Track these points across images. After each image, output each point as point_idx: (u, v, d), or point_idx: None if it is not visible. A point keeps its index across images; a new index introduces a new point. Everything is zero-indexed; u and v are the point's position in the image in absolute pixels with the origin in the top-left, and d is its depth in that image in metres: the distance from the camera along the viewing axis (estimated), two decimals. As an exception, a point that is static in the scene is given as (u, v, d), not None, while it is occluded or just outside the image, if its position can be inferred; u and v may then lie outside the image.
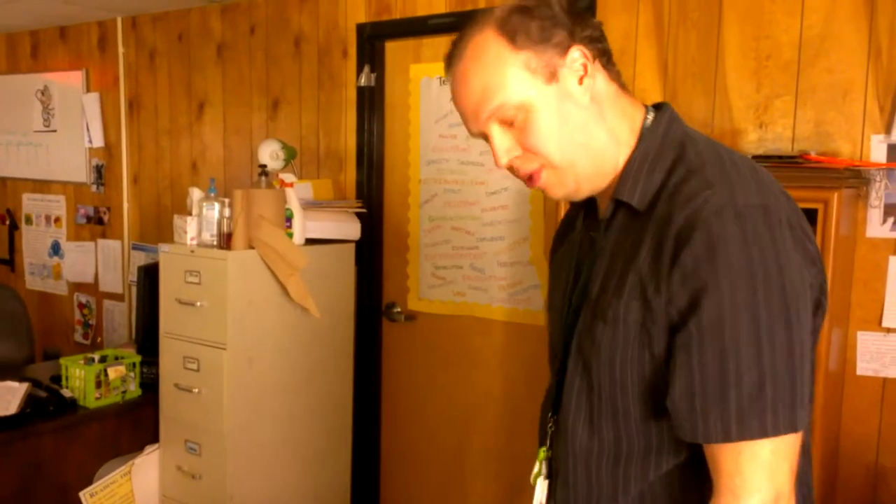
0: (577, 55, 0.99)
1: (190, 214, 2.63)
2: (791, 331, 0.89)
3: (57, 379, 2.76)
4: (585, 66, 0.99)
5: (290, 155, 2.87)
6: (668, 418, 0.94)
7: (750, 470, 0.89)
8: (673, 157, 0.99)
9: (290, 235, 2.62)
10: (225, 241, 2.56)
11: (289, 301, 2.59)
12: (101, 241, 3.73)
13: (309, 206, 2.74)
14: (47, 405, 2.61)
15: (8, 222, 4.10)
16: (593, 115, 1.00)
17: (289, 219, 2.64)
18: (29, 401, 2.58)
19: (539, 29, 0.97)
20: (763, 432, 0.88)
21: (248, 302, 2.52)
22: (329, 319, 2.78)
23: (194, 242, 2.60)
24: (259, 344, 2.57)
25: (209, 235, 2.57)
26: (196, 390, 2.55)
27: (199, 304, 2.52)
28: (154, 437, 2.74)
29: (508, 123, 1.00)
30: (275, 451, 2.65)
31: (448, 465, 2.92)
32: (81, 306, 3.83)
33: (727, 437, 0.89)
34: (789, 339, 0.88)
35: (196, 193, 2.65)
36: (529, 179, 1.03)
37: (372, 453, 3.09)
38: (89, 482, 2.60)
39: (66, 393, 2.68)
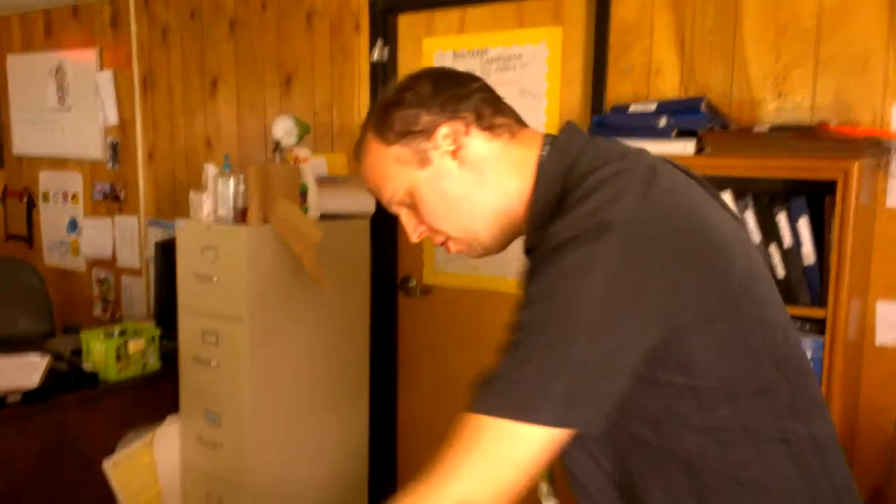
0: (444, 132, 1.02)
1: (205, 190, 2.61)
2: (569, 346, 0.84)
3: (77, 353, 2.76)
4: (456, 140, 1.02)
5: (304, 131, 2.83)
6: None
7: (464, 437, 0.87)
8: (557, 191, 0.98)
9: (305, 210, 2.59)
10: (240, 216, 2.54)
11: (305, 276, 2.57)
12: (117, 218, 3.72)
13: (324, 181, 2.71)
14: (69, 378, 2.61)
15: (25, 199, 4.09)
16: (474, 183, 1.03)
17: (303, 194, 2.61)
18: (51, 374, 2.57)
19: (402, 121, 1.02)
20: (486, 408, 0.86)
21: (264, 276, 2.50)
22: (345, 293, 2.76)
23: (210, 218, 2.57)
24: (276, 317, 2.55)
25: (225, 211, 2.54)
26: (214, 363, 2.54)
27: (215, 278, 2.50)
28: (174, 409, 2.74)
29: (410, 206, 1.07)
30: (293, 421, 2.64)
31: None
32: (100, 282, 3.83)
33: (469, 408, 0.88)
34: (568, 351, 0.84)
35: (211, 169, 2.63)
36: (445, 247, 1.09)
37: (388, 426, 3.08)
38: (112, 453, 2.61)
39: (87, 366, 2.68)
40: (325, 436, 2.75)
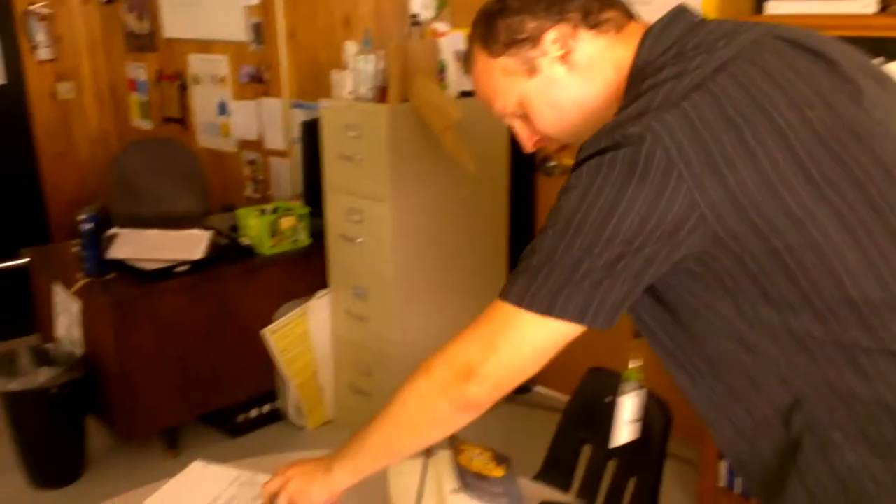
0: (552, 38, 0.99)
1: (346, 69, 2.68)
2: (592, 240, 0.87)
3: (234, 229, 3.00)
4: (565, 44, 0.99)
5: (442, 4, 2.81)
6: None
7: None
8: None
9: (444, 88, 2.61)
10: (381, 94, 2.60)
11: (444, 154, 2.63)
12: (263, 100, 3.90)
13: (462, 56, 2.71)
14: (228, 251, 2.86)
15: (178, 83, 4.35)
16: (584, 87, 1.00)
17: (443, 70, 2.62)
18: (213, 248, 2.83)
19: (507, 30, 1.00)
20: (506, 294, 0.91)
21: (405, 155, 2.58)
22: (483, 173, 2.80)
23: (351, 97, 2.66)
24: (417, 196, 2.65)
25: (365, 89, 2.61)
26: (360, 240, 2.69)
27: (358, 157, 2.61)
28: (324, 283, 2.95)
29: (522, 116, 1.06)
30: (434, 296, 2.78)
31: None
32: (250, 163, 4.07)
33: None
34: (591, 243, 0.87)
35: (351, 47, 2.68)
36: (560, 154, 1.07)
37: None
38: (269, 322, 2.87)
39: (244, 241, 2.92)
40: (465, 313, 2.88)
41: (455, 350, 0.96)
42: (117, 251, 2.75)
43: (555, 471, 1.60)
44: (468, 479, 1.20)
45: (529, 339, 0.91)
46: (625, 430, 1.20)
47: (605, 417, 1.19)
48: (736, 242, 0.85)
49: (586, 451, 1.60)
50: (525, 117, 1.05)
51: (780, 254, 0.85)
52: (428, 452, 1.23)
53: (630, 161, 0.84)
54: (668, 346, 1.00)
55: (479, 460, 1.28)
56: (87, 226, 2.63)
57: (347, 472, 1.09)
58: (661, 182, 0.83)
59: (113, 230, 2.91)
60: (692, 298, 0.92)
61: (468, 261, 2.88)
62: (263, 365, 2.91)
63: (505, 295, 0.92)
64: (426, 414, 0.99)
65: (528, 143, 1.09)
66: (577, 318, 0.89)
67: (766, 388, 0.92)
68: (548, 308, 0.88)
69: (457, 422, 0.99)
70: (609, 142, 0.87)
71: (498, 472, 1.24)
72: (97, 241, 2.70)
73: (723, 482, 2.41)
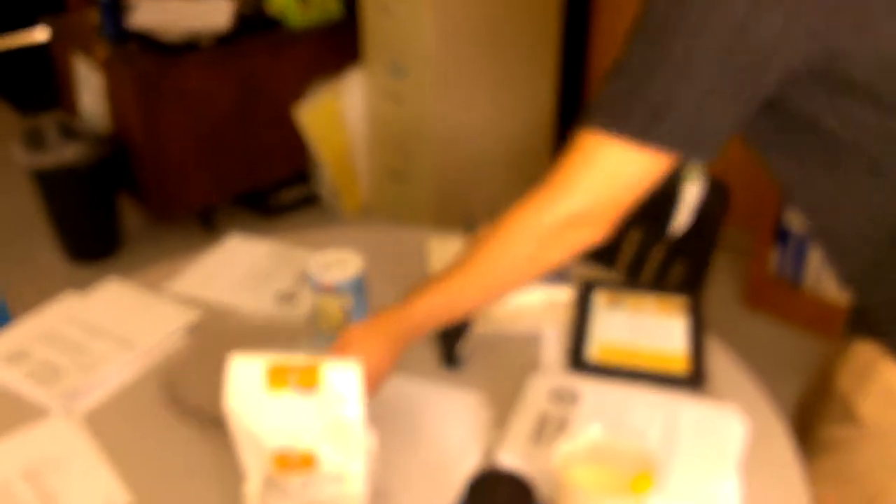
0: None
1: None
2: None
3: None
4: None
5: None
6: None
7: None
8: None
9: None
10: None
11: None
12: None
13: None
14: (255, 22, 2.75)
15: None
16: None
17: None
18: (237, 18, 2.73)
19: None
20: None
21: None
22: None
23: None
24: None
25: None
26: (397, 10, 2.56)
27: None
28: (357, 61, 2.85)
29: None
30: (476, 70, 2.68)
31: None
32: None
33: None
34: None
35: None
36: None
37: (578, 79, 3.06)
38: (299, 100, 2.82)
39: (271, 10, 2.80)
40: (509, 94, 2.80)
41: (541, 203, 0.88)
42: (138, 19, 2.67)
43: (599, 251, 1.60)
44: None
45: (623, 172, 0.83)
46: (685, 216, 1.17)
47: (655, 201, 1.16)
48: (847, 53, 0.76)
49: (633, 234, 1.59)
50: None
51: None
52: (469, 226, 1.22)
53: None
54: (787, 168, 0.92)
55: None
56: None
57: (420, 323, 0.95)
58: None
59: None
60: (813, 107, 0.82)
61: (515, 36, 2.73)
62: (296, 145, 2.90)
63: (590, 121, 0.83)
64: (529, 272, 0.92)
65: None
66: (677, 145, 0.81)
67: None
68: (642, 132, 0.80)
69: (562, 263, 0.92)
70: None
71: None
72: (117, 6, 2.62)
73: (773, 270, 2.42)
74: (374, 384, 0.90)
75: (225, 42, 2.66)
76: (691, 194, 1.16)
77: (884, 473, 0.97)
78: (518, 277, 0.93)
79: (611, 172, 0.84)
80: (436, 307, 0.93)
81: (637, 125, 0.80)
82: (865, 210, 0.88)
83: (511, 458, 0.93)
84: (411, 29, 2.55)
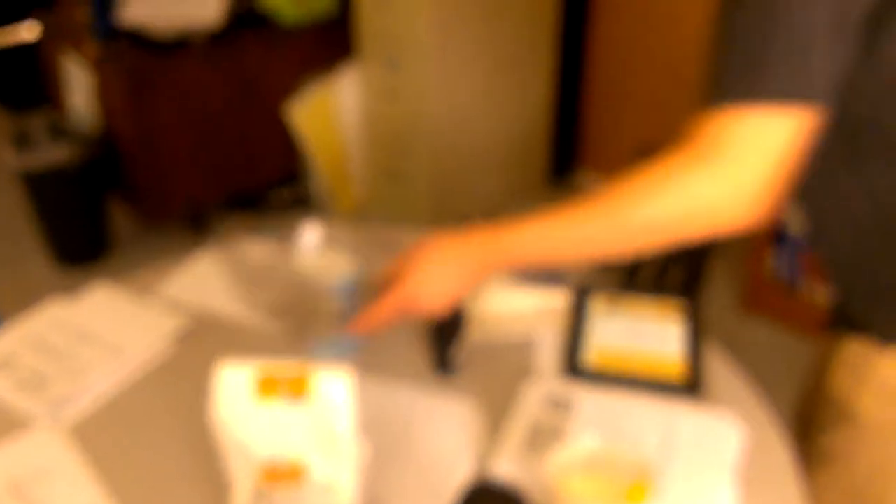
0: None
1: None
2: None
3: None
4: None
5: None
6: None
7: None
8: None
9: None
10: None
11: None
12: None
13: None
14: (247, 17, 2.74)
15: None
16: None
17: None
18: (230, 12, 2.71)
19: None
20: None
21: None
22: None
23: None
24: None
25: None
26: (393, 4, 2.55)
27: None
28: (351, 57, 2.84)
29: None
30: (473, 69, 2.67)
31: (656, 107, 2.85)
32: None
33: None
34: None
35: None
36: None
37: (575, 81, 3.06)
38: (293, 96, 2.81)
39: (263, 6, 2.78)
40: (506, 89, 2.78)
41: (682, 191, 0.81)
42: (128, 15, 2.66)
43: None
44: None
45: (773, 141, 0.78)
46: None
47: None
48: None
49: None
50: None
51: None
52: (464, 226, 1.21)
53: None
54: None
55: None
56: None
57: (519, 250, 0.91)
58: None
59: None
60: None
61: (512, 30, 2.73)
62: (290, 144, 2.90)
63: (722, 97, 0.79)
64: (664, 235, 0.85)
65: None
66: (819, 95, 0.77)
67: None
68: (783, 91, 0.77)
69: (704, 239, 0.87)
70: None
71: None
72: (106, 3, 2.60)
73: (770, 274, 2.42)
74: (439, 304, 0.87)
75: (217, 39, 2.65)
76: None
77: (886, 481, 0.97)
78: (650, 236, 0.85)
79: (761, 145, 0.79)
80: (541, 240, 0.87)
81: (776, 85, 0.77)
82: (865, 195, 0.88)
83: (505, 468, 0.92)
84: (407, 23, 2.54)
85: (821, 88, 0.77)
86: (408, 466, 0.95)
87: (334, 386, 0.80)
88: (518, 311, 1.17)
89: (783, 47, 0.76)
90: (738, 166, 0.79)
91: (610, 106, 3.01)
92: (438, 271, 0.91)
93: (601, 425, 0.98)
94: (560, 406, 1.02)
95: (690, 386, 1.05)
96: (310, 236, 1.14)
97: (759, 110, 0.78)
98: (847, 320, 0.98)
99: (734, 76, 0.79)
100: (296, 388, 0.81)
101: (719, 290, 2.57)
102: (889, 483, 0.97)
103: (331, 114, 2.84)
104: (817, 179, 0.90)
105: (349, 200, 3.00)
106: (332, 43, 2.86)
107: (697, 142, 0.81)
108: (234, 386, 0.81)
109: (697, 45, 2.64)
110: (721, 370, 1.10)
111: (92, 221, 2.74)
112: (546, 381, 1.07)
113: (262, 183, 2.95)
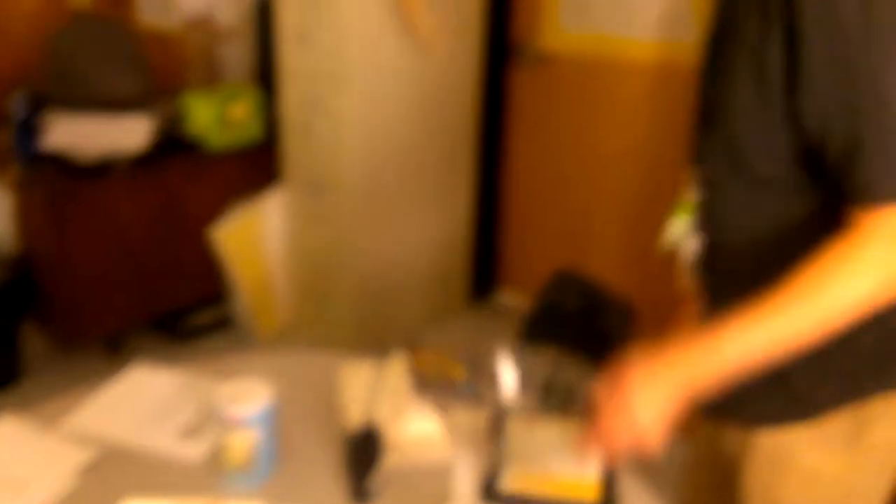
0: None
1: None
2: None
3: (177, 120, 2.91)
4: None
5: None
6: None
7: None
8: None
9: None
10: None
11: (412, 36, 2.55)
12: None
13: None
14: (173, 143, 2.79)
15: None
16: None
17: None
18: (155, 138, 2.76)
19: None
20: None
21: (368, 38, 2.50)
22: (453, 57, 2.74)
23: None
24: (380, 82, 2.58)
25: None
26: (318, 131, 2.64)
27: (318, 39, 2.52)
28: (277, 181, 2.91)
29: None
30: (396, 196, 2.76)
31: (572, 227, 2.97)
32: (198, 44, 3.92)
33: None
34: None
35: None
36: None
37: (492, 206, 3.17)
38: (218, 220, 2.83)
39: (190, 132, 2.84)
40: (428, 215, 2.87)
41: (877, 267, 0.84)
42: (52, 139, 2.67)
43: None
44: (426, 381, 1.22)
45: None
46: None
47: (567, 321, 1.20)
48: None
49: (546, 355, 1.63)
50: None
51: None
52: (386, 354, 1.24)
53: None
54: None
55: (436, 364, 1.29)
56: (19, 110, 2.54)
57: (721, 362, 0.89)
58: None
59: (47, 116, 2.81)
60: None
61: (433, 157, 2.84)
62: (213, 268, 2.90)
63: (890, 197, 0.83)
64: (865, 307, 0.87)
65: None
66: None
67: None
68: None
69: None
70: None
71: (458, 374, 1.26)
72: (30, 127, 2.62)
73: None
74: (660, 432, 0.87)
75: (141, 163, 2.68)
76: (687, 250, 1.13)
77: None
78: (854, 312, 0.86)
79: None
80: (745, 343, 0.86)
81: None
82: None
83: None
84: (331, 150, 2.63)
85: None
86: None
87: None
88: (434, 434, 1.18)
89: None
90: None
91: (527, 226, 3.12)
92: (654, 397, 0.90)
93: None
94: (476, 532, 1.02)
95: (604, 508, 1.07)
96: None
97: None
98: (720, 409, 1.02)
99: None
100: (203, 524, 0.80)
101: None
102: None
103: (255, 238, 2.87)
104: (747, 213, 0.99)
105: (272, 324, 2.99)
106: (257, 168, 2.92)
107: (872, 230, 0.84)
108: (138, 522, 0.80)
109: (615, 164, 2.79)
110: (636, 490, 1.13)
111: (4, 348, 2.65)
112: (463, 507, 1.07)
113: (183, 305, 2.93)
